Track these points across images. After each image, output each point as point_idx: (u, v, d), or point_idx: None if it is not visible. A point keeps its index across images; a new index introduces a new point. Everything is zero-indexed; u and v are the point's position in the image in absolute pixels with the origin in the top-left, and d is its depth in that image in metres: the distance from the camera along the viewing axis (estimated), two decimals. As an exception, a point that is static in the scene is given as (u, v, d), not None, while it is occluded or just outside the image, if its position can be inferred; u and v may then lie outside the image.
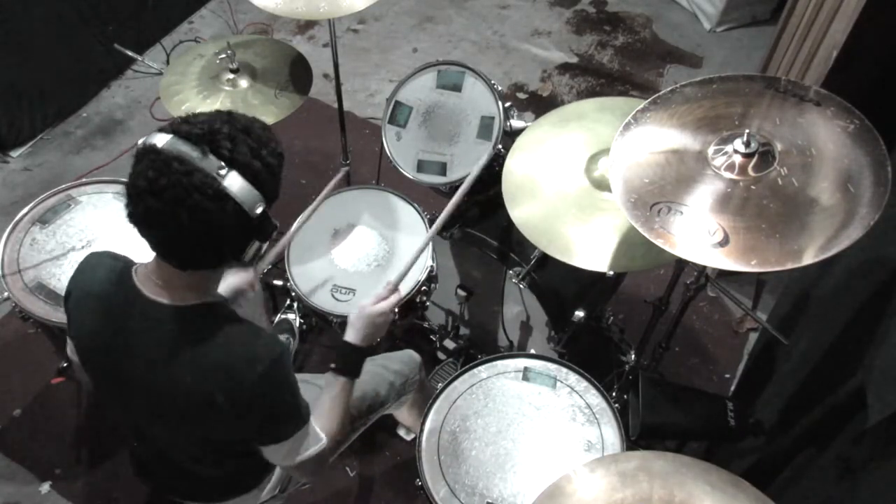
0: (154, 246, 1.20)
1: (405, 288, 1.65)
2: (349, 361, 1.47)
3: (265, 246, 1.26)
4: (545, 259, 1.92)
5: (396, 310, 1.63)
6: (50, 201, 2.06)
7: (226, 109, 1.22)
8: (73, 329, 1.36)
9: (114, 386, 1.36)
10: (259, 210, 1.17)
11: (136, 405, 1.36)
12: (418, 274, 1.94)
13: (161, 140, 1.13)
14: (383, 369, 1.82)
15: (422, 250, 1.71)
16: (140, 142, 1.16)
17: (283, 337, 2.35)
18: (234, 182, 1.13)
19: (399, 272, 1.64)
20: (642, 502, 1.11)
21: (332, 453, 1.42)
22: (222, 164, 1.12)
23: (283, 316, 2.37)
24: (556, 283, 1.98)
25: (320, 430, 1.36)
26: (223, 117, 1.18)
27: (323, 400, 1.43)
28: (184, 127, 1.15)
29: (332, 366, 1.46)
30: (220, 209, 1.13)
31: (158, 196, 1.11)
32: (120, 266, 1.30)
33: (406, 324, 2.08)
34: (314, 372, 1.78)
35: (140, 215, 1.15)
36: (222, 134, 1.14)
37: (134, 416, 1.42)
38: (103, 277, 1.30)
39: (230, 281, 1.70)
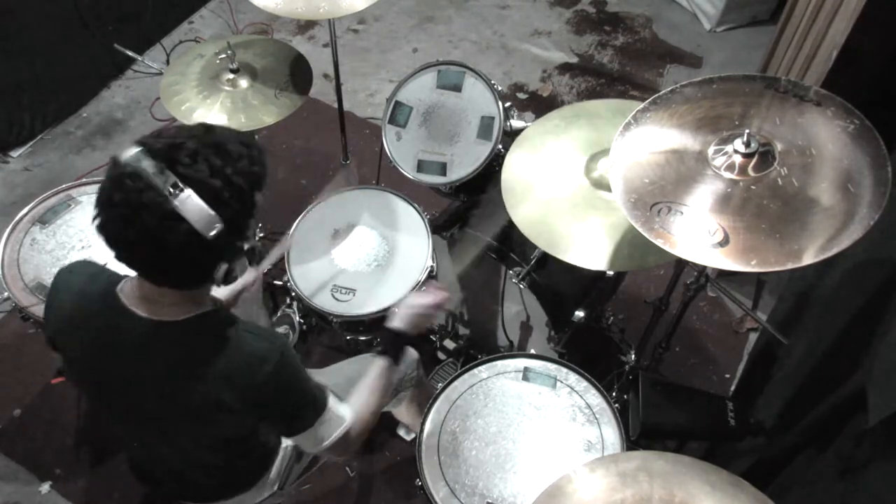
0: (119, 260, 1.17)
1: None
2: (394, 346, 1.51)
3: (239, 269, 1.23)
4: (545, 259, 1.92)
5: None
6: (50, 201, 2.06)
7: (213, 123, 1.18)
8: (64, 353, 1.33)
9: (113, 403, 1.36)
10: (214, 232, 1.11)
11: (139, 419, 1.35)
12: (418, 274, 1.94)
13: (128, 153, 1.10)
14: None
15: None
16: (120, 153, 1.13)
17: (282, 329, 2.36)
18: (186, 202, 1.08)
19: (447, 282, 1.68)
20: (642, 502, 1.11)
21: (362, 432, 1.43)
22: (176, 181, 1.08)
23: (285, 310, 2.38)
24: (556, 283, 1.98)
25: (350, 409, 1.38)
26: (197, 131, 1.14)
27: (365, 382, 1.45)
28: (150, 140, 1.12)
29: (379, 349, 1.50)
30: (168, 229, 1.09)
31: (111, 211, 1.10)
32: (101, 285, 1.26)
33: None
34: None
35: (100, 227, 1.13)
36: (185, 149, 1.10)
37: (135, 427, 1.41)
38: (87, 302, 1.26)
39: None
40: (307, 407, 1.31)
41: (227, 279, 1.22)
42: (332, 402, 1.35)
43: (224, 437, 1.35)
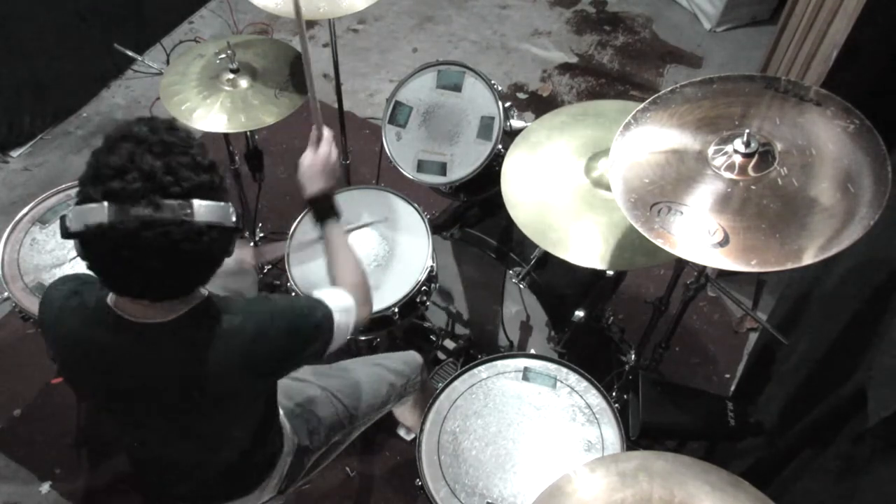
0: (146, 295, 1.14)
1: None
2: (325, 208, 1.53)
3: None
4: (545, 259, 1.92)
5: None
6: (50, 201, 2.06)
7: (119, 135, 1.07)
8: (65, 372, 1.32)
9: (123, 411, 1.34)
10: (234, 215, 1.12)
11: (153, 422, 1.33)
12: (419, 274, 1.94)
13: (102, 215, 1.01)
14: (384, 370, 1.82)
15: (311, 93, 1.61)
16: (73, 222, 1.03)
17: None
18: (202, 210, 1.06)
19: (317, 112, 1.59)
20: (642, 502, 1.11)
21: (366, 292, 1.48)
22: (180, 202, 1.04)
23: None
24: (556, 282, 1.98)
25: (346, 291, 1.40)
26: (136, 150, 1.04)
27: (333, 258, 1.49)
28: (114, 186, 1.02)
29: (317, 219, 1.52)
30: (209, 240, 1.08)
31: (148, 271, 1.06)
32: (92, 303, 1.21)
33: (406, 324, 2.08)
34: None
35: (138, 289, 1.11)
36: (157, 169, 1.04)
37: (146, 430, 1.38)
38: (79, 322, 1.22)
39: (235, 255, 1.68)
40: (318, 332, 1.31)
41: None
42: (331, 304, 1.33)
43: (253, 415, 1.36)
